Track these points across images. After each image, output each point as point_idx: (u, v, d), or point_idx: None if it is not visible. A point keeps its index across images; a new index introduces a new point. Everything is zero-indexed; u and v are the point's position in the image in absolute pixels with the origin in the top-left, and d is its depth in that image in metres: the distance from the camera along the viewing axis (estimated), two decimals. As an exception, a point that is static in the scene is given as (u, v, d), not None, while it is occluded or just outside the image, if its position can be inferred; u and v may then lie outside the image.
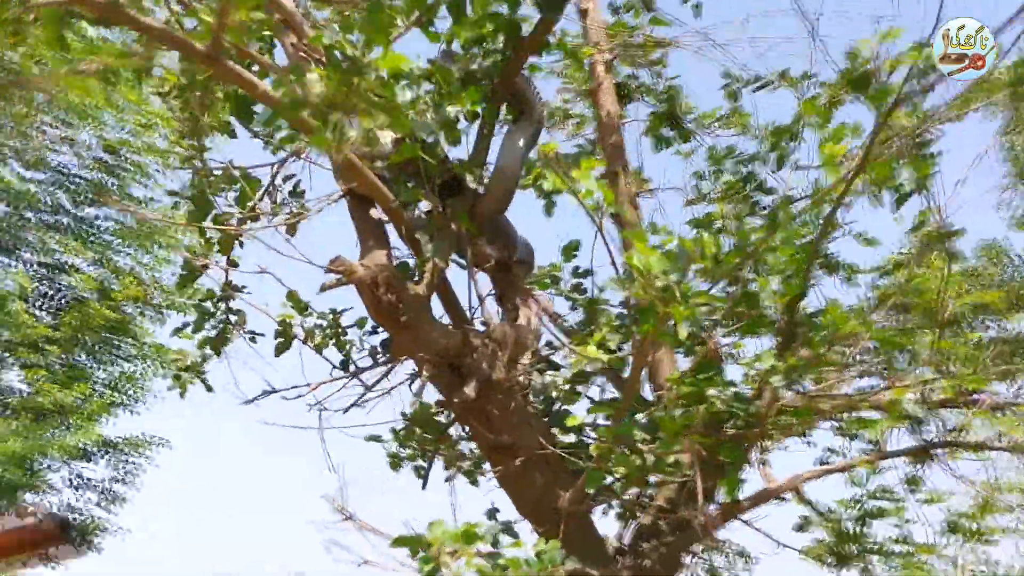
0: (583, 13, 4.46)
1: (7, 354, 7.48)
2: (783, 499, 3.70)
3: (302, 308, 3.23)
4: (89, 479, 8.09)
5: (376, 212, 3.14)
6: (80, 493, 8.11)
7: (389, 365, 3.15)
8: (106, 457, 8.09)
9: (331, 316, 3.25)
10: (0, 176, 7.23)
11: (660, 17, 4.50)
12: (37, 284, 7.71)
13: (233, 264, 3.29)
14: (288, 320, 3.22)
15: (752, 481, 3.81)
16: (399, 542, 2.36)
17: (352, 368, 3.17)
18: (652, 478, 3.06)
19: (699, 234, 2.33)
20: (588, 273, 3.43)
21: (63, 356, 7.80)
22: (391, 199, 2.93)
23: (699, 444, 2.65)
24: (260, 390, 3.27)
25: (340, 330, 3.24)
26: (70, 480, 8.03)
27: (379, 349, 3.15)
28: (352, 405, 3.04)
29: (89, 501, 8.07)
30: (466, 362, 2.87)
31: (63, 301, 7.85)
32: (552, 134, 4.96)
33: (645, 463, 2.80)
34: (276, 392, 3.23)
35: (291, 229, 3.13)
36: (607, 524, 3.39)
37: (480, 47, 3.24)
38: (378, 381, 3.13)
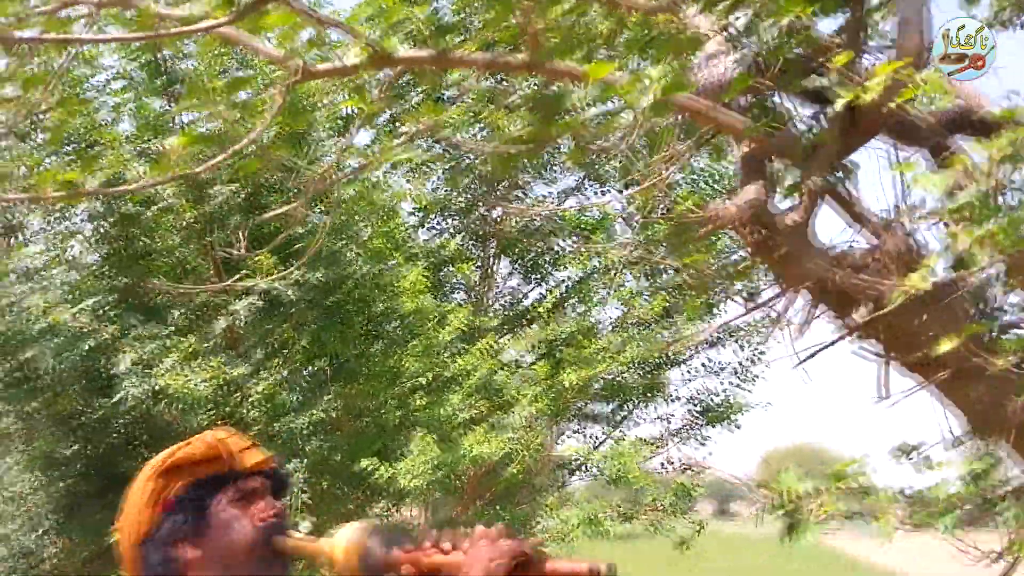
0: None
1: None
2: None
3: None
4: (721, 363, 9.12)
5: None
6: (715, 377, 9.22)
7: (786, 295, 3.09)
8: (733, 341, 9.04)
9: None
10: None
11: None
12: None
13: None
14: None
15: None
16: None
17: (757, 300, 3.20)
18: None
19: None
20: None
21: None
22: (739, 129, 2.88)
23: None
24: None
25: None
26: (703, 366, 9.17)
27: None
28: (762, 342, 3.08)
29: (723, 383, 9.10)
30: (851, 286, 2.71)
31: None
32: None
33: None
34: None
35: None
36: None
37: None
38: (782, 313, 3.10)
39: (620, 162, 8.10)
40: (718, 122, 2.91)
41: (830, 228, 3.16)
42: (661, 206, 3.61)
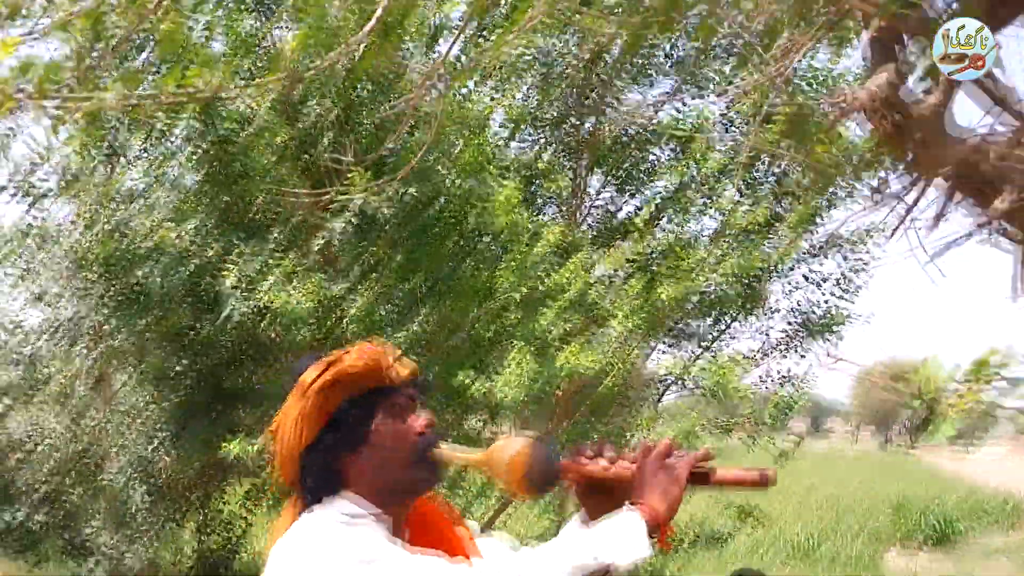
0: None
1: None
2: None
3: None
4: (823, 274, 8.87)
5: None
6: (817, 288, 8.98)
7: (921, 185, 2.92)
8: (835, 252, 8.79)
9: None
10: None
11: None
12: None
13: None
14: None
15: None
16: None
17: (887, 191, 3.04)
18: None
19: None
20: None
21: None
22: (870, 9, 2.70)
23: None
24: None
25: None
26: (805, 277, 8.96)
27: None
28: (895, 230, 2.94)
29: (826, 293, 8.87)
30: (994, 173, 2.54)
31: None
32: None
33: None
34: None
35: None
36: None
37: None
38: (916, 202, 2.94)
39: (732, 56, 7.80)
40: (848, 2, 2.73)
41: (969, 114, 2.97)
42: (779, 100, 3.45)
